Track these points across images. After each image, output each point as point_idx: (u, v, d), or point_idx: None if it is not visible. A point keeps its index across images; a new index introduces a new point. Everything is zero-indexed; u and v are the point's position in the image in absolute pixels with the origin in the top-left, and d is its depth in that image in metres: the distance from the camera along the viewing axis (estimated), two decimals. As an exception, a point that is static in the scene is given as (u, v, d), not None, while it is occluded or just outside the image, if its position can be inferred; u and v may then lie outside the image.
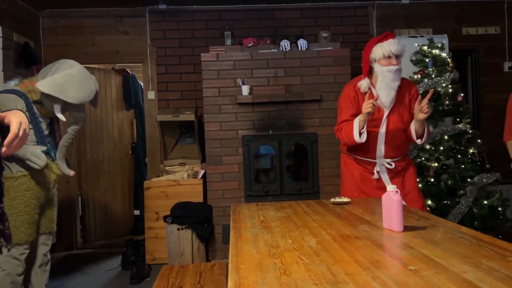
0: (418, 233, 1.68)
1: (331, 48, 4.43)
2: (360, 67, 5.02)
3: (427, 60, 3.93)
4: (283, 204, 2.52)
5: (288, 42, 4.42)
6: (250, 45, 4.44)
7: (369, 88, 2.70)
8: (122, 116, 5.75)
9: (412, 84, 2.89)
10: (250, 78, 4.34)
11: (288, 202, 2.62)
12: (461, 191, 3.70)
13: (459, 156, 3.92)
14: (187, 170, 4.64)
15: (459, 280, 1.15)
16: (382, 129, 2.72)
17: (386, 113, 2.73)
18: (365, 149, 2.77)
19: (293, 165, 4.50)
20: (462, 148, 3.92)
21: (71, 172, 2.84)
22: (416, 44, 4.13)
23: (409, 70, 4.03)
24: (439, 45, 3.93)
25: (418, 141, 2.74)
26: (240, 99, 4.28)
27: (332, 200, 2.49)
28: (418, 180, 3.04)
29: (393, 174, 2.78)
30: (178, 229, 4.05)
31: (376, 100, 2.55)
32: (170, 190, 4.39)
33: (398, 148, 2.77)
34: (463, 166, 3.83)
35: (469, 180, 3.76)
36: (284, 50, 4.38)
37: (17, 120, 1.40)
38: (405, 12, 5.13)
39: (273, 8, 5.04)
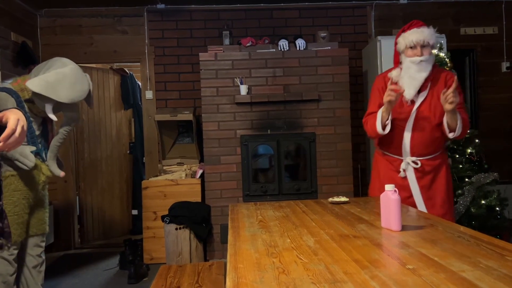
0: (417, 232, 1.68)
1: (329, 48, 4.43)
2: (358, 67, 5.06)
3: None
4: (281, 204, 2.52)
5: (287, 42, 4.42)
6: (248, 44, 4.44)
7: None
8: (120, 115, 5.74)
9: (451, 74, 2.63)
10: (248, 77, 4.34)
11: (287, 201, 2.61)
12: (459, 191, 3.70)
13: (457, 155, 3.92)
14: (185, 169, 4.64)
15: (458, 279, 1.15)
16: (409, 123, 2.55)
17: (416, 106, 2.55)
18: (393, 144, 2.62)
19: (291, 165, 4.50)
20: (460, 147, 3.93)
21: (62, 173, 2.79)
22: (414, 44, 4.13)
23: (407, 70, 4.03)
24: (438, 45, 3.94)
25: (450, 135, 2.50)
26: (238, 98, 4.27)
27: (330, 199, 2.49)
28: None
29: (421, 174, 2.58)
30: (176, 229, 4.05)
31: (399, 89, 2.45)
32: (168, 189, 4.38)
33: (427, 145, 2.56)
34: (461, 166, 3.83)
35: (467, 179, 3.76)
36: (283, 50, 4.38)
37: (14, 117, 1.40)
38: (403, 12, 5.14)
39: (272, 8, 5.04)
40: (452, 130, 2.48)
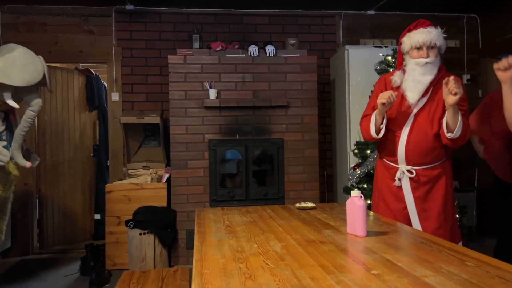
0: (381, 238, 1.71)
1: (299, 55, 4.48)
2: (326, 75, 5.13)
3: (391, 70, 4.03)
4: (248, 209, 2.51)
5: (256, 48, 4.44)
6: (218, 49, 4.43)
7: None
8: (85, 117, 5.60)
9: (454, 77, 2.34)
10: (217, 82, 4.32)
11: (254, 206, 2.61)
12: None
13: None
14: (151, 173, 4.56)
15: (420, 284, 1.18)
16: (406, 129, 2.40)
17: (414, 111, 2.39)
18: (389, 150, 2.49)
19: (259, 170, 4.50)
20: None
21: (27, 164, 2.66)
22: (380, 54, 4.24)
23: (373, 79, 4.12)
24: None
25: (448, 135, 2.26)
26: (207, 103, 4.25)
27: (297, 205, 2.51)
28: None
29: (417, 184, 2.42)
30: (140, 234, 3.97)
31: (396, 94, 2.31)
32: (133, 194, 4.29)
33: (423, 154, 2.38)
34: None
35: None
36: (252, 55, 4.39)
37: None
38: (370, 22, 5.26)
39: (242, 13, 5.05)
40: (450, 130, 2.27)
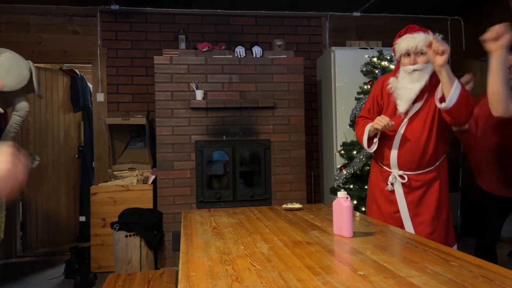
0: (367, 239, 1.71)
1: (285, 56, 4.49)
2: (313, 76, 5.15)
3: (377, 72, 4.06)
4: (235, 210, 2.51)
5: (243, 49, 4.44)
6: (204, 49, 4.41)
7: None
8: (69, 118, 5.53)
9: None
10: (204, 83, 4.31)
11: (241, 208, 2.60)
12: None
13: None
14: (136, 175, 4.52)
15: (406, 284, 1.18)
16: (398, 135, 2.35)
17: (408, 117, 2.34)
18: (383, 155, 2.45)
19: (246, 171, 4.49)
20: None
21: None
22: (366, 56, 4.27)
23: (359, 81, 4.16)
24: (388, 57, 4.09)
25: (442, 105, 2.09)
26: (193, 103, 4.23)
27: (284, 206, 2.51)
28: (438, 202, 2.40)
29: (409, 189, 2.37)
30: (126, 236, 3.93)
31: (392, 124, 2.27)
32: (118, 195, 4.25)
33: (415, 160, 2.33)
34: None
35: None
36: (239, 56, 4.39)
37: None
38: (356, 24, 5.30)
39: (229, 14, 5.05)
40: (444, 99, 2.08)
